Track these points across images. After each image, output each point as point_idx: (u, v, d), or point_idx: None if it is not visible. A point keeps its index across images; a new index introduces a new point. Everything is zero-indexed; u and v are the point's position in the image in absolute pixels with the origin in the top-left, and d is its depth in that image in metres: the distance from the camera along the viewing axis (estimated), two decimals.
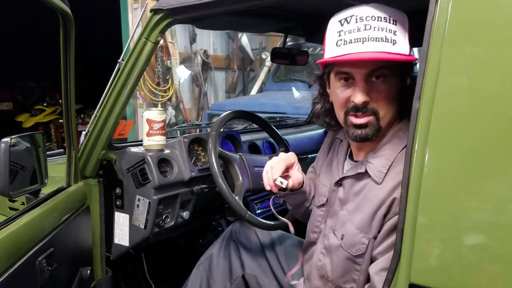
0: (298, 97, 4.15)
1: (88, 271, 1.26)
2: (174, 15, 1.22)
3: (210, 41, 5.61)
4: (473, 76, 0.73)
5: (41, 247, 1.02)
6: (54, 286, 1.08)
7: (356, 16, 0.93)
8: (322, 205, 1.15)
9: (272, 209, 1.17)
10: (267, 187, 1.11)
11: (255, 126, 2.00)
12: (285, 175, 1.12)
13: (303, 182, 1.17)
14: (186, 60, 5.10)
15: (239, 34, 5.73)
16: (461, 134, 0.73)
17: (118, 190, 1.41)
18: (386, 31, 0.92)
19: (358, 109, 0.97)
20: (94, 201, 1.39)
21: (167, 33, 4.59)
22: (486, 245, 0.71)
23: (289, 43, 4.36)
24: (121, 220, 1.41)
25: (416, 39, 0.93)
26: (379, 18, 0.92)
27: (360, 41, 0.92)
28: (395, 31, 0.92)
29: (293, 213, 1.31)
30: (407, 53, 0.94)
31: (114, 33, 4.65)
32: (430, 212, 0.75)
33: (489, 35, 0.71)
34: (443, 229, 0.74)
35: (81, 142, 1.38)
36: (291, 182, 1.10)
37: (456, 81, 0.74)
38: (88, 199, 1.36)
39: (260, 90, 5.45)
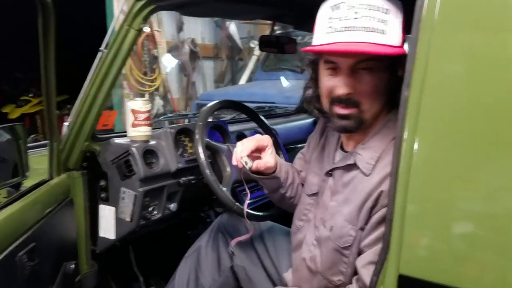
0: (287, 86, 4.12)
1: (72, 266, 1.23)
2: (157, 1, 1.19)
3: (198, 29, 5.54)
4: (464, 63, 0.71)
5: (22, 242, 0.99)
6: (36, 282, 1.05)
7: (347, 3, 0.90)
8: (313, 194, 1.14)
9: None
10: (234, 162, 1.13)
11: (243, 116, 1.97)
12: (256, 155, 1.14)
13: (276, 168, 1.17)
14: (173, 49, 5.03)
15: (227, 23, 5.66)
16: (451, 122, 0.71)
17: (102, 183, 1.38)
18: (376, 21, 0.89)
19: (342, 101, 0.96)
20: (78, 193, 1.36)
21: (154, 22, 4.52)
22: (476, 235, 0.70)
23: (278, 32, 4.33)
24: (106, 213, 1.38)
25: (406, 26, 0.91)
26: (370, 7, 0.89)
27: (348, 29, 0.90)
28: (386, 21, 0.89)
29: (271, 198, 1.32)
30: (398, 44, 0.91)
31: (100, 21, 4.56)
32: (419, 202, 0.73)
33: (481, 21, 0.69)
34: (432, 219, 0.73)
35: (63, 133, 1.35)
36: (255, 164, 1.13)
37: (446, 69, 0.72)
38: (71, 191, 1.33)
39: (249, 79, 5.42)
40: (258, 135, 1.18)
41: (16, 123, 1.19)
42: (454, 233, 0.71)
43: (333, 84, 0.97)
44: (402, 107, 0.75)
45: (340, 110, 0.98)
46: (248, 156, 1.12)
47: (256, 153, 1.15)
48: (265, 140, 1.16)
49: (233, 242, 1.30)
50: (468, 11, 0.70)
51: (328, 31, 0.92)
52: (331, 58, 0.96)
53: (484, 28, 0.69)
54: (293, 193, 1.26)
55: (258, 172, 1.18)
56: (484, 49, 0.69)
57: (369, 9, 0.89)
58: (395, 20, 0.90)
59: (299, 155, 1.33)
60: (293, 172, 1.27)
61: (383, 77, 0.95)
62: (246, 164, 1.10)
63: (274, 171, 1.18)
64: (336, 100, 0.97)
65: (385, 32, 0.89)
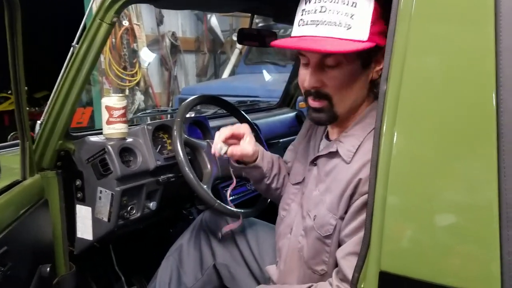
0: (270, 80, 4.10)
1: (48, 268, 1.19)
2: None
3: (179, 22, 5.45)
4: (442, 55, 0.70)
5: None
6: (9, 287, 1.01)
7: None
8: (298, 183, 1.13)
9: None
10: (212, 151, 1.14)
11: (225, 111, 1.95)
12: (233, 142, 1.15)
13: (257, 158, 1.17)
14: (153, 43, 4.94)
15: (208, 15, 5.59)
16: (430, 115, 0.70)
17: (78, 182, 1.34)
18: (341, 15, 0.87)
19: (311, 93, 0.96)
20: (53, 194, 1.32)
21: (133, 15, 4.43)
22: (459, 227, 0.69)
23: (260, 25, 4.30)
24: (83, 213, 1.34)
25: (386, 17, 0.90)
26: (337, 0, 0.88)
27: (314, 23, 0.89)
28: (353, 15, 0.87)
29: (257, 189, 1.31)
30: (365, 39, 0.88)
31: (78, 15, 4.44)
32: (399, 196, 0.72)
33: (458, 12, 0.68)
34: (413, 213, 0.72)
35: (36, 132, 1.30)
36: (230, 150, 1.13)
37: (425, 61, 0.71)
38: (46, 192, 1.28)
39: (232, 73, 5.37)
40: (236, 124, 1.18)
41: None
42: (436, 226, 0.70)
43: (304, 77, 0.97)
44: (380, 101, 0.74)
45: (312, 103, 0.98)
46: (224, 142, 1.13)
47: (233, 140, 1.16)
48: (242, 128, 1.16)
49: (226, 229, 1.30)
50: (445, 3, 0.69)
51: (299, 23, 0.92)
52: (301, 51, 0.96)
53: (461, 20, 0.68)
54: (279, 184, 1.25)
55: (238, 161, 1.18)
56: (462, 41, 0.68)
57: (335, 3, 0.87)
58: (363, 14, 0.88)
59: (290, 146, 1.32)
60: (279, 163, 1.26)
61: (354, 71, 0.94)
62: (221, 150, 1.11)
63: (255, 161, 1.17)
64: (306, 93, 0.98)
65: (351, 26, 0.88)
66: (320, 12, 0.88)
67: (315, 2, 0.89)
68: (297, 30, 0.93)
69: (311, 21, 0.90)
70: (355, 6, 0.87)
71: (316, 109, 0.98)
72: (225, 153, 1.12)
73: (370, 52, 0.91)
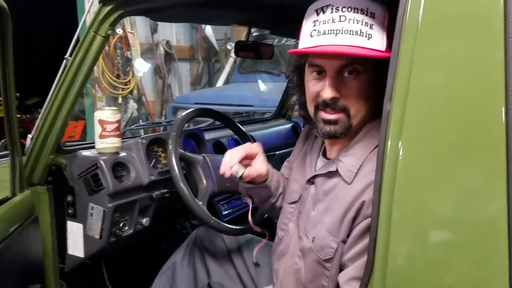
0: (264, 89, 4.09)
1: None
2: (125, 6, 1.12)
3: (173, 31, 5.43)
4: (449, 73, 0.68)
5: None
6: None
7: (333, 6, 0.88)
8: (294, 202, 1.09)
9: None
10: (221, 171, 1.07)
11: (221, 123, 1.92)
12: (246, 163, 1.08)
13: (267, 177, 1.13)
14: (147, 51, 4.92)
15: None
16: (437, 135, 0.68)
17: (69, 198, 1.30)
18: (361, 24, 0.87)
19: (328, 105, 0.93)
20: (44, 210, 1.28)
21: (127, 23, 4.41)
22: (470, 252, 0.66)
23: (255, 34, 4.29)
24: (74, 230, 1.30)
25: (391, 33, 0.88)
26: (356, 10, 0.87)
27: (333, 33, 0.87)
28: (372, 25, 0.87)
29: (260, 207, 1.27)
30: (383, 49, 0.88)
31: (74, 22, 4.41)
32: (405, 220, 0.70)
33: (467, 29, 0.66)
34: (421, 237, 0.69)
35: (27, 146, 1.26)
36: (246, 171, 1.07)
37: (431, 80, 0.69)
38: (36, 208, 1.24)
39: (227, 81, 5.36)
40: (247, 144, 1.13)
41: None
42: (446, 252, 0.67)
43: (318, 88, 0.94)
44: (384, 121, 0.72)
45: (326, 115, 0.94)
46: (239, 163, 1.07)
47: (246, 161, 1.10)
48: (255, 147, 1.11)
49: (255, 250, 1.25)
50: (452, 20, 0.67)
51: (313, 34, 0.90)
52: (316, 61, 0.93)
53: (469, 37, 0.66)
54: (283, 203, 1.21)
55: (249, 181, 1.13)
56: (469, 59, 0.66)
57: (355, 12, 0.87)
58: (380, 24, 0.88)
59: (285, 163, 1.29)
60: (283, 181, 1.23)
61: (369, 82, 0.92)
62: (237, 173, 1.04)
63: (266, 180, 1.13)
64: (322, 105, 0.94)
65: (371, 36, 0.87)
66: (339, 21, 0.87)
67: (331, 12, 0.88)
68: (309, 40, 0.91)
69: (328, 30, 0.88)
70: (373, 17, 0.87)
71: (331, 121, 0.94)
72: (241, 175, 1.06)
73: (384, 65, 0.88)
